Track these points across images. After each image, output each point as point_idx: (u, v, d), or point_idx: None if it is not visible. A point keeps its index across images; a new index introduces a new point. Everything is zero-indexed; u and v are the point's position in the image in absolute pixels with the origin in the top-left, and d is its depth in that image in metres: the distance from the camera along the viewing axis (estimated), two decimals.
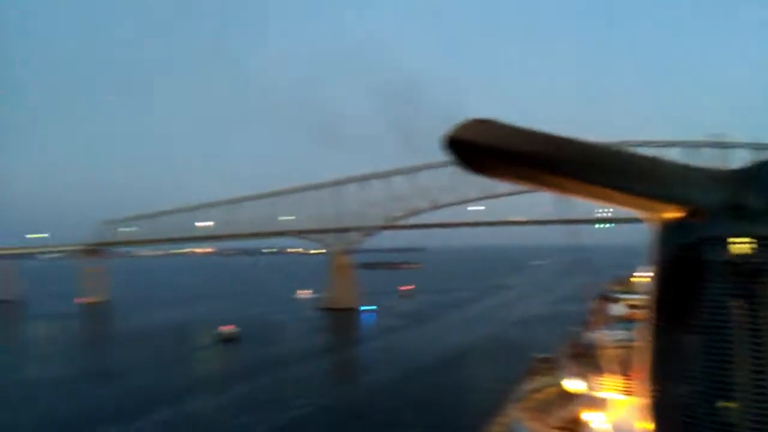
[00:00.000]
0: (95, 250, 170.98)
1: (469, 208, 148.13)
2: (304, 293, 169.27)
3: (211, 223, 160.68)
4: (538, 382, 30.90)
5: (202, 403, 56.35)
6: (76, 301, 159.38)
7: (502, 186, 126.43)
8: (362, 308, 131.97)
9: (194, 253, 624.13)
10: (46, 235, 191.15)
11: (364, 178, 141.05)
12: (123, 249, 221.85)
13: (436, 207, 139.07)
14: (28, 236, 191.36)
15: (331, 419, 51.43)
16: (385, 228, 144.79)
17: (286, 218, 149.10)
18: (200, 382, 67.40)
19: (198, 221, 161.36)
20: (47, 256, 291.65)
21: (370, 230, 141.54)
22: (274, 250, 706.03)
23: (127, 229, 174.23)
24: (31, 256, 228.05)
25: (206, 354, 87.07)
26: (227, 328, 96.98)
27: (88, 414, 53.82)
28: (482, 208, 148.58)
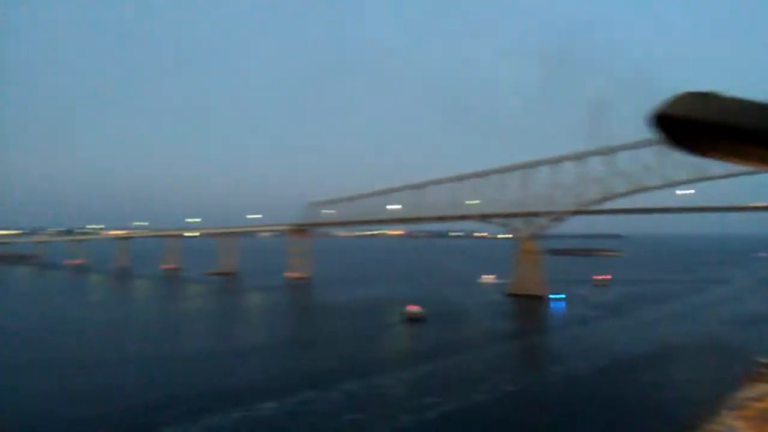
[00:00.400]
0: (301, 229, 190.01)
1: (678, 192, 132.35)
2: (489, 278, 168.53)
3: (399, 207, 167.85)
4: (761, 389, 26.97)
5: (387, 379, 59.19)
6: (285, 275, 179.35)
7: (717, 167, 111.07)
8: (551, 296, 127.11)
9: (385, 234, 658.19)
10: (260, 215, 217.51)
11: (554, 161, 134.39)
12: (323, 229, 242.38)
13: (637, 190, 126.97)
14: (248, 216, 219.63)
15: (515, 406, 50.60)
16: (576, 213, 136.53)
17: (471, 202, 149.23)
18: (386, 358, 71.22)
19: (389, 204, 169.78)
20: (262, 234, 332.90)
21: (560, 215, 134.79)
22: (461, 233, 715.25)
23: (327, 211, 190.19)
24: (249, 234, 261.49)
25: (393, 331, 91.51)
26: (413, 308, 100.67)
27: (287, 378, 60.15)
28: (692, 191, 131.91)
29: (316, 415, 47.08)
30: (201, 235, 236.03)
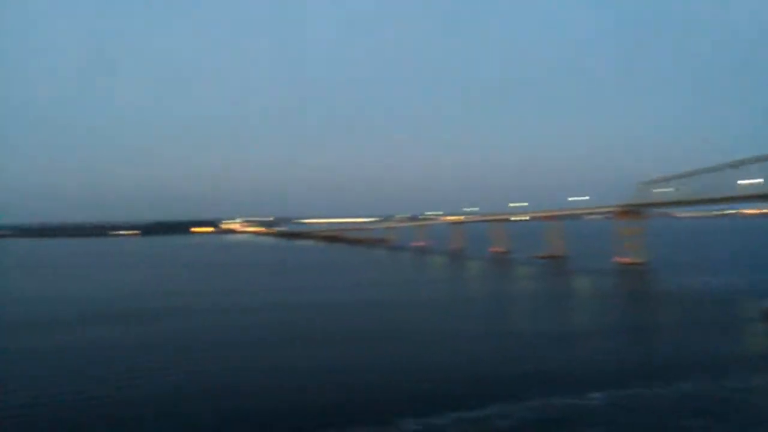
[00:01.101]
0: (631, 211, 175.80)
1: None
2: None
3: (759, 181, 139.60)
4: None
5: (739, 382, 50.04)
6: (615, 260, 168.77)
7: None
8: None
9: (741, 214, 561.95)
10: (586, 197, 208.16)
11: None
12: (660, 210, 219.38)
13: None
14: (569, 199, 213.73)
15: None
16: None
17: None
18: (738, 358, 59.98)
19: (742, 178, 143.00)
20: (590, 217, 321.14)
21: None
22: None
23: (662, 190, 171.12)
24: (575, 217, 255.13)
25: (749, 329, 76.65)
26: None
27: (617, 368, 56.33)
28: None
29: (649, 416, 42.93)
30: (530, 219, 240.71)
